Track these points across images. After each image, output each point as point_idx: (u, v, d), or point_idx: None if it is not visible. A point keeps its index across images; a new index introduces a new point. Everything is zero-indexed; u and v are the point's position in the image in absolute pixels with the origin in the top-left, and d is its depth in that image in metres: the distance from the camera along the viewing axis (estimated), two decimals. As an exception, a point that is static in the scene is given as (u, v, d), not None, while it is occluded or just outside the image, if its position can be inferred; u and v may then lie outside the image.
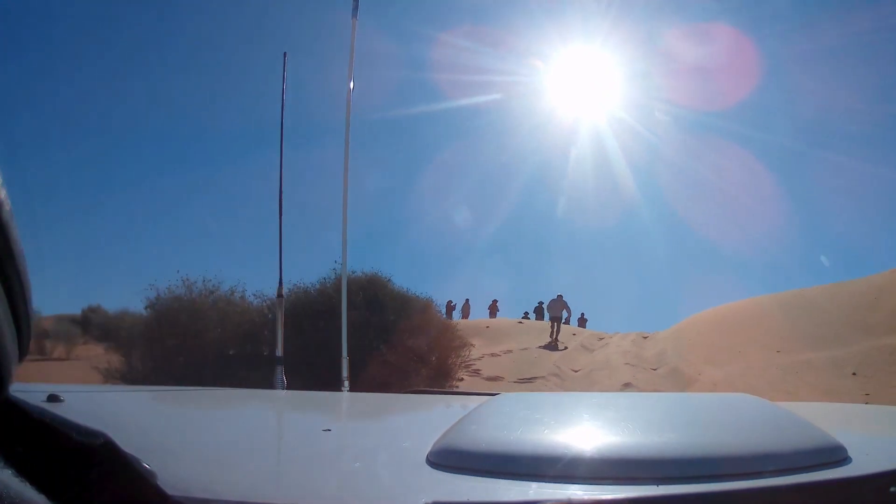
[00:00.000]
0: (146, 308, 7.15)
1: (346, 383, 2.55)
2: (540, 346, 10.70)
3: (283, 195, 2.88)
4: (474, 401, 1.08)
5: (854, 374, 7.07)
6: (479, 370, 8.59)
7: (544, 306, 13.92)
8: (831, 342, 7.94)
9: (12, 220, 0.40)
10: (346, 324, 2.87)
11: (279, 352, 2.66)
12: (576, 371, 9.07)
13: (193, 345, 6.68)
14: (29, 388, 0.90)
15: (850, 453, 0.66)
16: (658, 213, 20.32)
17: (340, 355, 2.69)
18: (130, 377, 6.80)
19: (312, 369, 5.46)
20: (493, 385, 8.11)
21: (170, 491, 0.49)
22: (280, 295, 2.86)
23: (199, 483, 0.55)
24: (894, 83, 20.98)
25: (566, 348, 11.00)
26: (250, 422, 1.12)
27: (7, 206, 0.39)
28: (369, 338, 6.85)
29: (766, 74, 17.61)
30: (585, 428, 0.77)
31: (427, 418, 1.20)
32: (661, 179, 21.55)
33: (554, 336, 11.57)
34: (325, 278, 7.50)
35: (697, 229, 22.89)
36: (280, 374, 2.49)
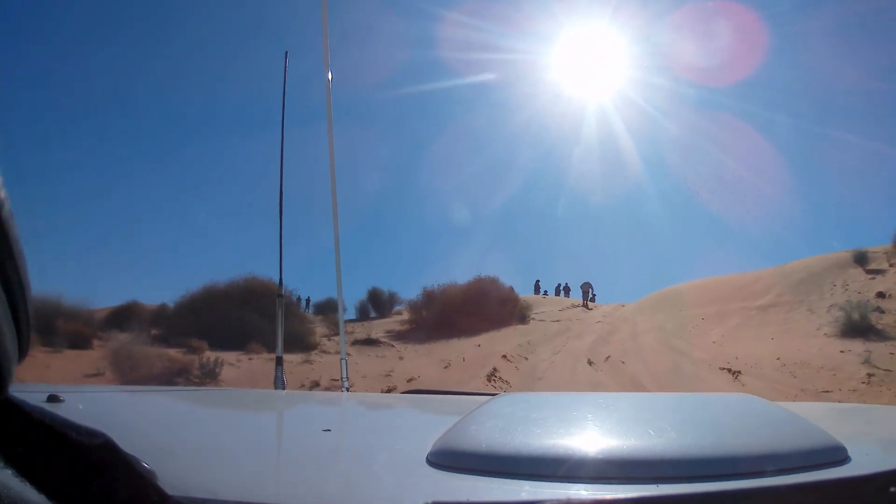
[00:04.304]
0: (421, 294, 14.77)
1: (346, 383, 2.54)
2: (564, 309, 17.79)
3: (283, 195, 2.87)
4: (474, 401, 1.08)
5: (703, 319, 12.72)
6: (533, 318, 15.58)
7: (561, 286, 21.84)
8: (704, 306, 13.63)
9: (12, 219, 0.40)
10: (343, 326, 2.87)
11: (279, 352, 2.64)
12: (579, 319, 16.03)
13: (442, 308, 14.12)
14: (29, 388, 0.90)
15: (850, 453, 0.66)
16: (654, 198, 21.02)
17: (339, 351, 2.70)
18: (415, 325, 13.79)
19: (482, 317, 13.45)
20: (541, 324, 14.81)
21: (170, 491, 0.49)
22: (280, 295, 2.84)
23: (199, 483, 0.55)
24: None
25: (591, 309, 18.08)
26: (250, 422, 1.12)
27: (7, 206, 0.39)
28: (497, 298, 14.70)
29: (771, 52, 17.82)
30: (585, 428, 0.77)
31: (427, 418, 1.20)
32: (662, 162, 22.12)
33: (584, 302, 19.13)
34: (475, 276, 15.58)
35: (680, 213, 24.38)
36: (280, 374, 2.48)
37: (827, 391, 7.01)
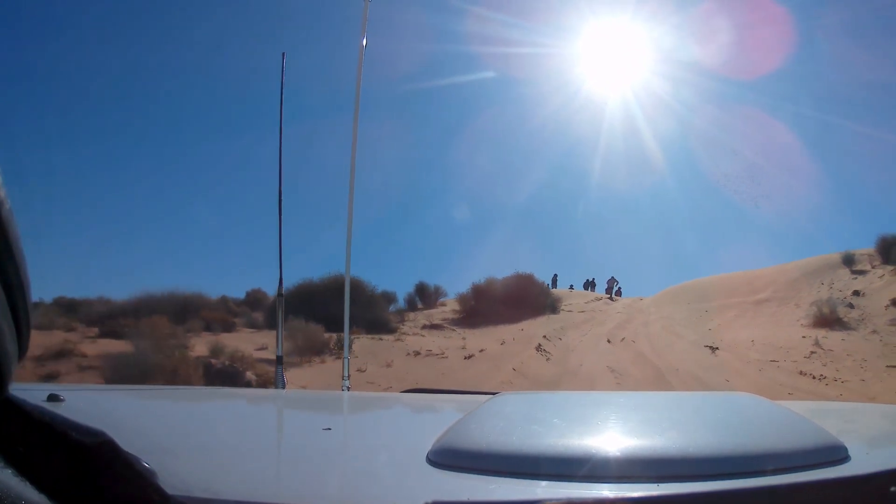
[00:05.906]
0: (469, 288, 16.27)
1: (347, 383, 2.54)
2: (590, 302, 19.78)
3: (282, 194, 2.87)
4: (474, 400, 1.08)
5: (706, 311, 14.50)
6: (563, 309, 17.21)
7: (589, 281, 23.96)
8: (711, 300, 15.45)
9: (12, 218, 0.40)
10: (347, 329, 2.87)
11: (279, 351, 2.64)
12: (601, 310, 17.71)
13: (486, 300, 15.79)
14: (29, 388, 0.90)
15: (851, 452, 0.66)
16: (677, 196, 21.47)
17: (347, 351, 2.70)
18: (465, 314, 15.37)
19: (521, 308, 15.30)
20: (569, 314, 16.55)
21: (170, 491, 0.49)
22: (280, 294, 2.84)
23: (199, 483, 0.55)
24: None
25: (615, 301, 20.25)
26: (250, 421, 1.12)
27: (7, 205, 0.39)
28: (532, 292, 16.47)
29: (796, 45, 17.66)
30: (585, 427, 0.77)
31: (427, 418, 1.20)
32: (684, 158, 22.27)
33: (611, 295, 21.09)
34: (513, 272, 17.30)
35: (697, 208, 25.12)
36: (280, 374, 2.47)
37: (774, 360, 9.03)
